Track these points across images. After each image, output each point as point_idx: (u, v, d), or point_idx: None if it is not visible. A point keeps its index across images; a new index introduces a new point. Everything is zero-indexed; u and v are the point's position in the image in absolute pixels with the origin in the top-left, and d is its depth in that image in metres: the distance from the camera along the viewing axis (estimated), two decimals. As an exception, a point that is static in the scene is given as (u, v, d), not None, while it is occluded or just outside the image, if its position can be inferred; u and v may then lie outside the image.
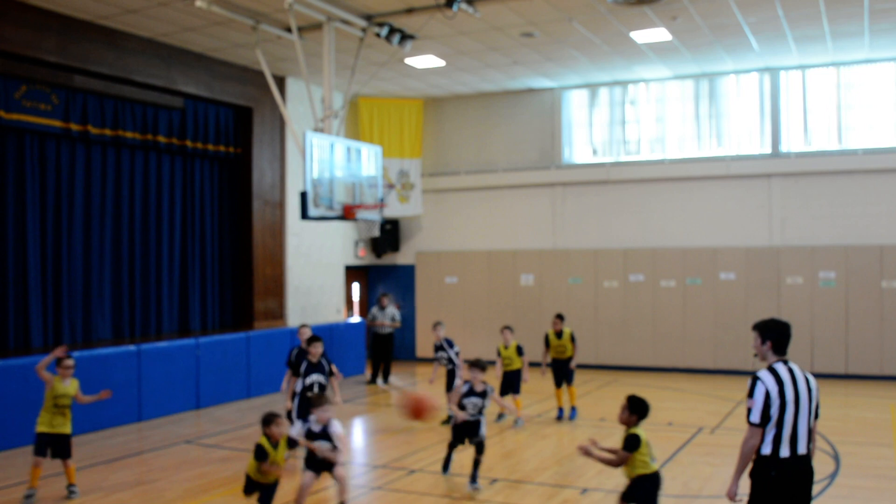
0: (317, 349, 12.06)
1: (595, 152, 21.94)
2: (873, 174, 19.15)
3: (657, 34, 16.83)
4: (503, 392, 14.67)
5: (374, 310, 19.68)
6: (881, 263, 18.89)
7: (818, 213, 19.61)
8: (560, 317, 15.33)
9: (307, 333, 13.51)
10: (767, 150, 20.16)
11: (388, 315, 19.53)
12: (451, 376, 14.89)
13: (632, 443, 7.66)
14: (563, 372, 15.11)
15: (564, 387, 15.15)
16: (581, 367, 19.65)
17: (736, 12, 15.47)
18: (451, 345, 15.01)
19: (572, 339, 15.11)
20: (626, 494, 7.83)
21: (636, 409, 7.84)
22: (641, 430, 7.74)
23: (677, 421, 14.37)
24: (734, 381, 18.74)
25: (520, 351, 14.74)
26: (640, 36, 16.96)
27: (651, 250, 20.89)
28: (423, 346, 23.25)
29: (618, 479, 10.76)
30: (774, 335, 6.44)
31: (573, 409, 15.03)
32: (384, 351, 19.53)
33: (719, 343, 20.16)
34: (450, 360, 14.88)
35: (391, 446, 13.12)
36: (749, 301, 19.92)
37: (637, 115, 21.46)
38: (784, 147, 20.04)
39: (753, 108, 20.35)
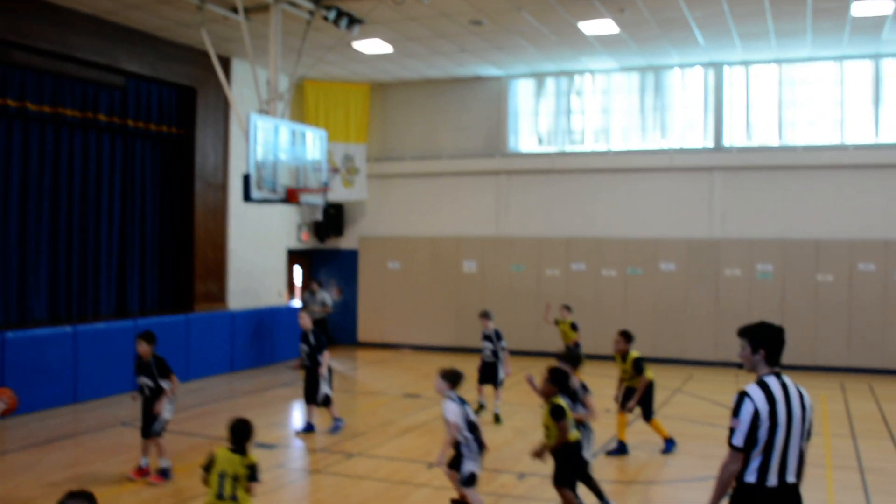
0: (142, 347, 10.32)
1: (540, 141, 22.05)
2: (812, 170, 19.52)
3: (605, 26, 16.93)
4: (482, 381, 14.20)
5: (306, 295, 19.64)
6: (816, 257, 19.28)
7: (758, 207, 19.94)
8: (625, 335, 12.09)
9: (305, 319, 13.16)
10: (710, 143, 20.44)
11: (318, 300, 19.43)
12: (490, 369, 13.98)
13: (559, 412, 8.20)
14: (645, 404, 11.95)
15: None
16: (521, 353, 19.82)
17: (683, 7, 15.63)
18: (499, 337, 14.04)
19: (635, 365, 11.83)
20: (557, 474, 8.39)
21: (556, 380, 8.43)
22: (638, 352, 8.79)
23: (615, 408, 14.50)
24: (672, 370, 19.03)
25: (498, 336, 14.16)
26: (588, 27, 17.05)
27: (593, 240, 21.08)
28: (365, 332, 23.22)
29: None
30: (769, 343, 5.47)
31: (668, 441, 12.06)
32: None
33: (659, 333, 20.43)
34: (494, 353, 13.96)
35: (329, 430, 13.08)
36: (688, 292, 20.22)
37: (583, 105, 21.59)
38: (726, 141, 20.33)
39: (697, 102, 20.61)
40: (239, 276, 20.11)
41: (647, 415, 11.82)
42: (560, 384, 8.48)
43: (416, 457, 11.40)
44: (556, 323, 16.47)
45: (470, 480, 8.50)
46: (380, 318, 23.09)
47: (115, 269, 17.86)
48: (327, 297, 19.75)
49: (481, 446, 8.57)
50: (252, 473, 6.98)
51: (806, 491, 5.61)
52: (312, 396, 12.98)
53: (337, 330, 23.39)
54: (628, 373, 11.89)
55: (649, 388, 11.77)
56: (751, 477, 5.33)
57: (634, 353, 11.93)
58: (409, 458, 11.35)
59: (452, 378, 8.58)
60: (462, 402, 8.52)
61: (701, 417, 14.12)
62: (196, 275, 18.94)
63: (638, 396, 11.66)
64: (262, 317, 19.57)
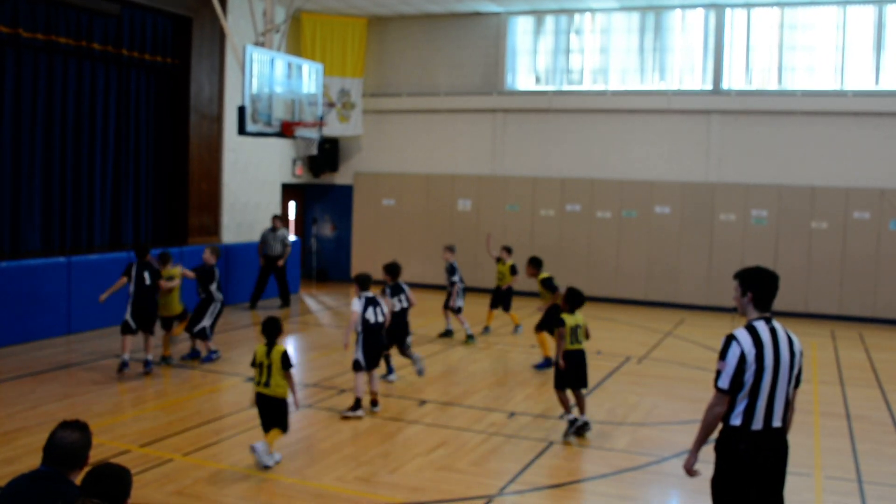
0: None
1: (538, 80, 21.86)
2: (810, 116, 19.41)
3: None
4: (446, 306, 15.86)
5: (266, 231, 19.16)
6: (812, 204, 19.27)
7: (754, 152, 19.87)
8: (532, 261, 13.70)
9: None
10: (709, 86, 20.29)
11: (279, 237, 19.04)
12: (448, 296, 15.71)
13: (550, 284, 10.22)
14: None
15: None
16: (516, 293, 19.90)
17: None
18: (450, 272, 15.61)
19: (545, 284, 13.45)
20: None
21: (569, 299, 9.87)
22: (547, 273, 10.55)
23: (606, 350, 14.63)
24: (664, 314, 19.14)
25: (450, 270, 15.66)
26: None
27: (589, 181, 21.02)
28: (359, 268, 23.20)
29: (545, 405, 10.97)
30: (758, 287, 5.47)
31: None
32: (272, 273, 19.08)
33: (652, 276, 20.49)
34: (451, 284, 15.56)
35: (322, 366, 13.16)
36: (682, 235, 20.23)
37: (582, 44, 21.38)
38: (725, 84, 20.18)
39: (697, 45, 20.41)
40: (233, 210, 20.03)
41: (542, 327, 13.15)
42: (573, 303, 9.84)
43: (408, 393, 11.49)
44: (498, 261, 16.28)
45: (355, 366, 10.33)
46: (373, 254, 23.05)
47: (110, 201, 17.75)
48: (288, 235, 19.35)
49: (381, 342, 10.66)
50: (284, 362, 8.52)
51: (793, 436, 5.68)
52: (191, 326, 13.21)
53: (330, 266, 23.44)
54: (544, 294, 13.25)
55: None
56: (736, 420, 5.37)
57: (543, 274, 13.35)
58: (400, 395, 11.44)
59: (360, 281, 10.87)
60: (368, 302, 10.48)
61: (690, 361, 14.22)
62: (190, 208, 18.84)
63: (544, 309, 13.10)
64: (256, 251, 19.53)
